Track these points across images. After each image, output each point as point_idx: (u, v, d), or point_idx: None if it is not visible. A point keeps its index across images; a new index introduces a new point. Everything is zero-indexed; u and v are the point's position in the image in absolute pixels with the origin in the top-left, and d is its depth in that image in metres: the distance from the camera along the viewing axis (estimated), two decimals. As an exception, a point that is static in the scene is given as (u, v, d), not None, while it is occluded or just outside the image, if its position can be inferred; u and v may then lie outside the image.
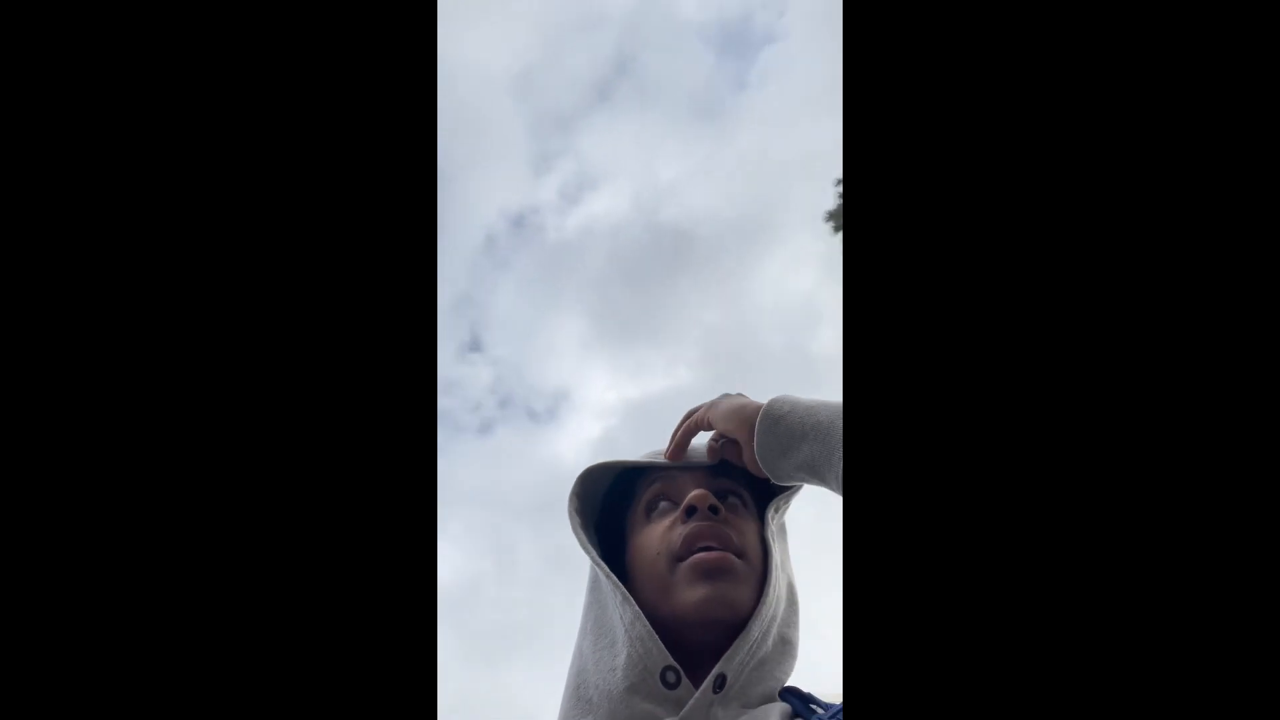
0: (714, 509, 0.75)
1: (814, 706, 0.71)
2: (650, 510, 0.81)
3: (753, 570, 0.75)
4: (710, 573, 0.72)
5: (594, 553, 0.78)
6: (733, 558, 0.73)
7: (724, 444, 0.81)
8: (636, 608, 0.72)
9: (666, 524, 0.77)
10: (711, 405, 0.81)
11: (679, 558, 0.74)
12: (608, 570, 0.76)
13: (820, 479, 0.71)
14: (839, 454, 0.66)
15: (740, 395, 0.82)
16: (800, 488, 0.82)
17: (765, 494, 0.83)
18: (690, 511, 0.75)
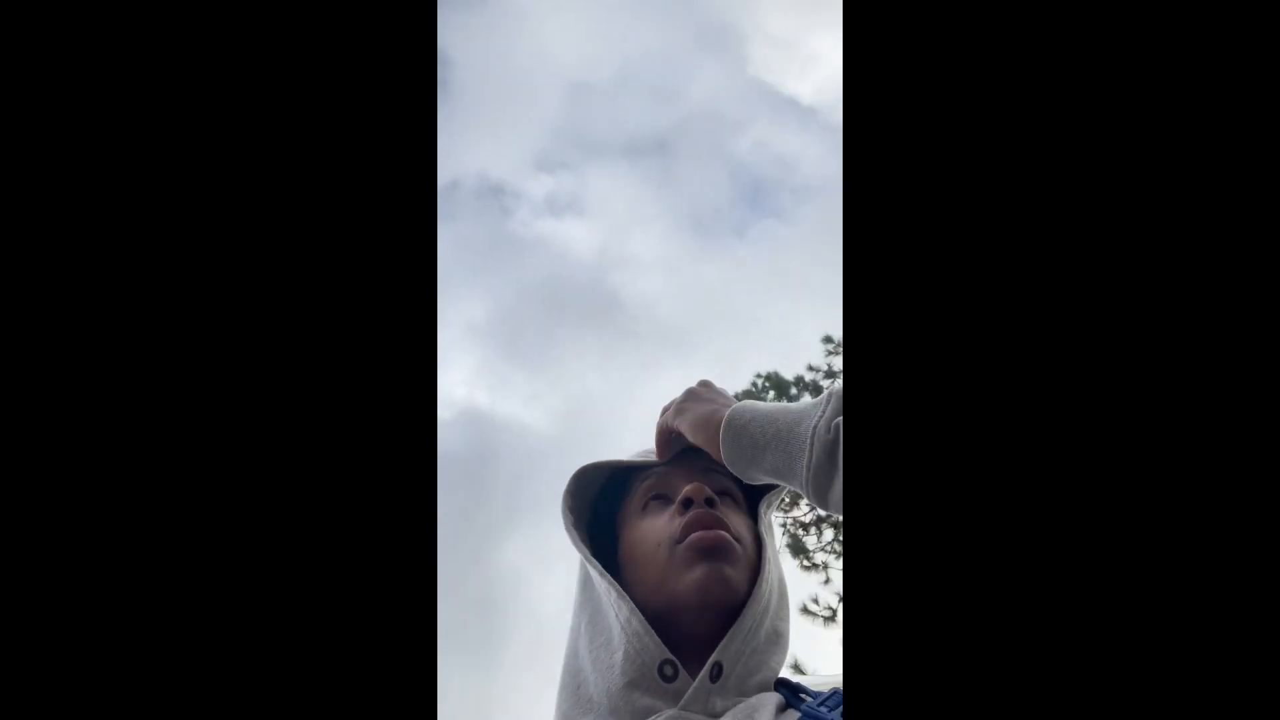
0: (710, 501, 0.76)
1: (803, 695, 0.72)
2: (645, 506, 0.82)
3: (748, 557, 0.77)
4: (709, 551, 0.73)
5: (586, 550, 0.79)
6: (729, 537, 0.75)
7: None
8: (631, 604, 0.73)
9: (664, 517, 0.78)
10: (679, 412, 0.81)
11: (677, 543, 0.75)
12: (600, 568, 0.77)
13: (789, 484, 0.70)
14: (801, 460, 0.65)
15: (707, 390, 0.82)
16: (781, 488, 0.82)
17: (756, 491, 0.85)
18: (687, 504, 0.76)
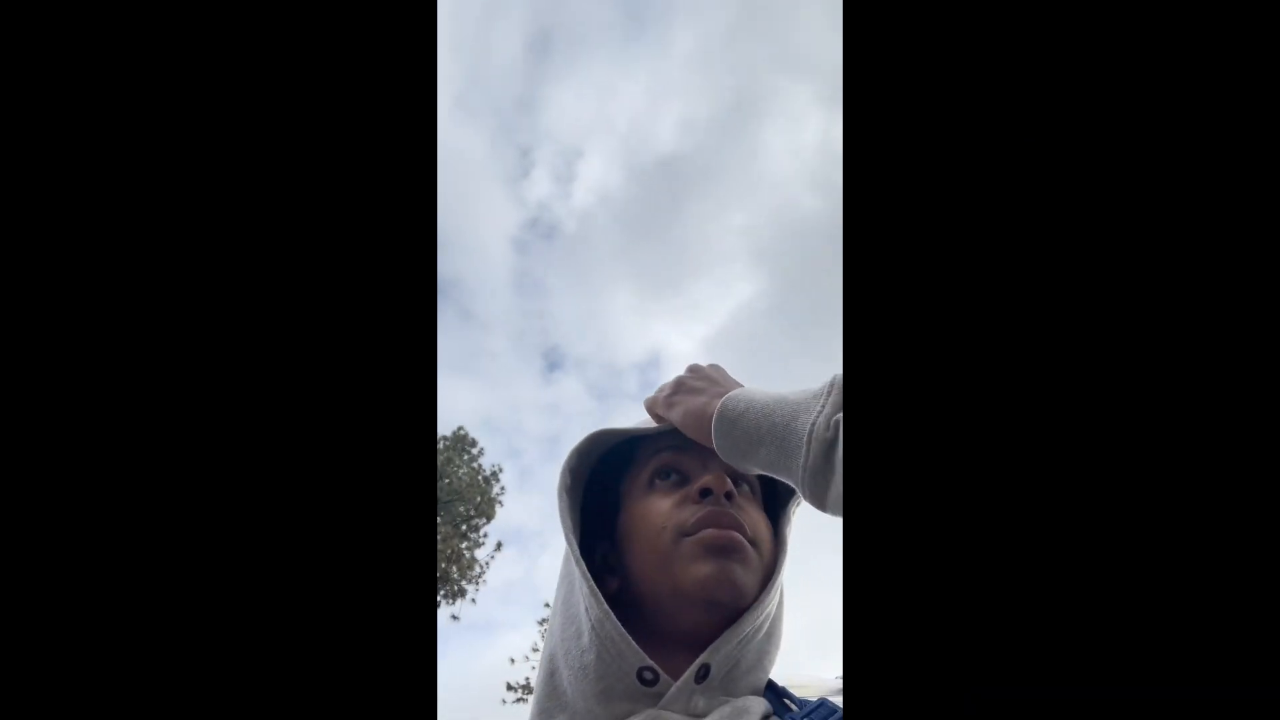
0: (729, 495, 0.72)
1: (788, 702, 0.69)
2: (652, 482, 0.77)
3: (761, 562, 0.72)
4: (721, 550, 0.69)
5: (569, 526, 0.74)
6: (744, 540, 0.70)
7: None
8: (606, 607, 0.68)
9: (676, 499, 0.73)
10: (669, 405, 0.76)
11: (686, 534, 0.70)
12: (578, 554, 0.72)
13: (784, 479, 0.66)
14: (798, 460, 0.62)
15: (696, 376, 0.77)
16: None
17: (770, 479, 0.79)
18: (705, 493, 0.72)
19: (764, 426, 0.66)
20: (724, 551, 0.69)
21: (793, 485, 0.65)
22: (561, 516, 0.75)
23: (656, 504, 0.74)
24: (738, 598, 0.69)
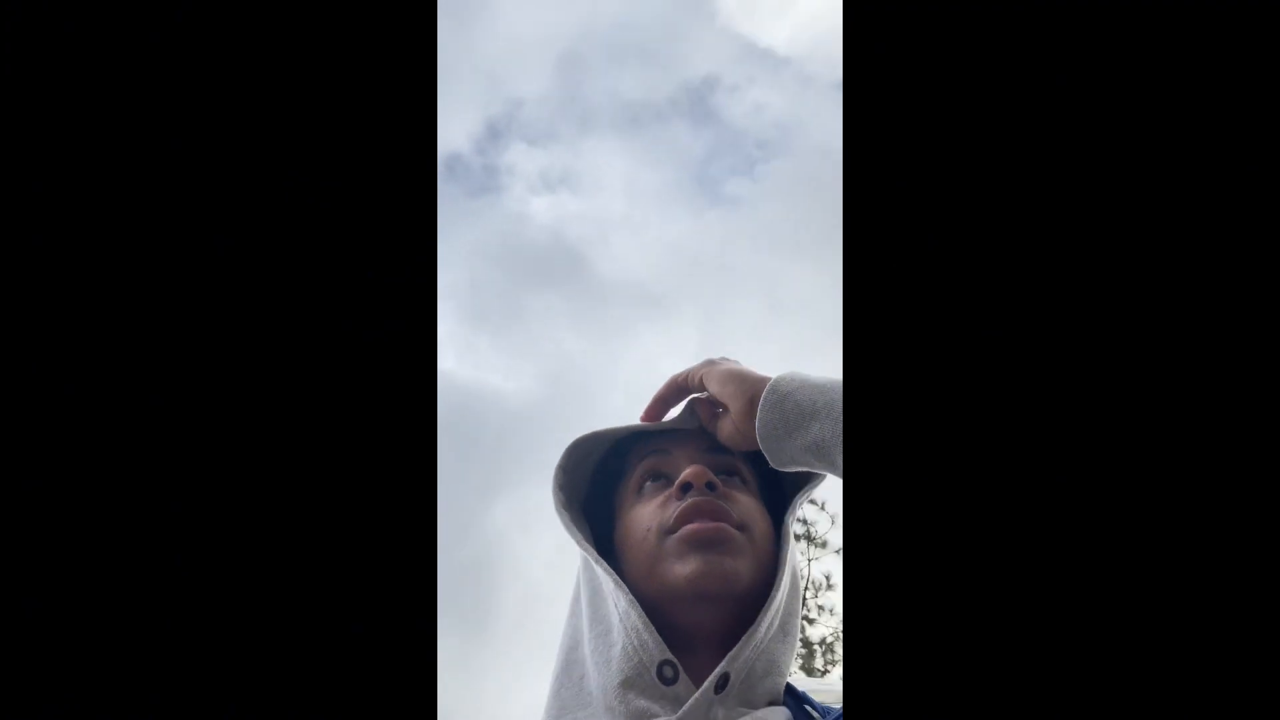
0: (710, 485, 0.71)
1: (809, 709, 0.68)
2: (642, 488, 0.76)
3: (754, 545, 0.70)
4: (703, 544, 0.67)
5: (580, 537, 0.74)
6: (729, 529, 0.69)
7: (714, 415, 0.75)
8: (631, 596, 0.67)
9: (659, 500, 0.73)
10: (707, 364, 0.75)
11: (669, 532, 0.69)
12: (597, 555, 0.71)
13: (828, 462, 0.64)
14: None
15: (734, 361, 0.76)
16: (823, 477, 0.75)
17: (769, 471, 0.77)
18: (685, 488, 0.71)
19: (820, 401, 0.64)
20: (706, 544, 0.67)
21: (834, 470, 0.63)
22: (569, 530, 0.74)
23: (643, 508, 0.73)
24: (728, 586, 0.67)
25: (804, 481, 0.78)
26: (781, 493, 0.81)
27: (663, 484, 0.75)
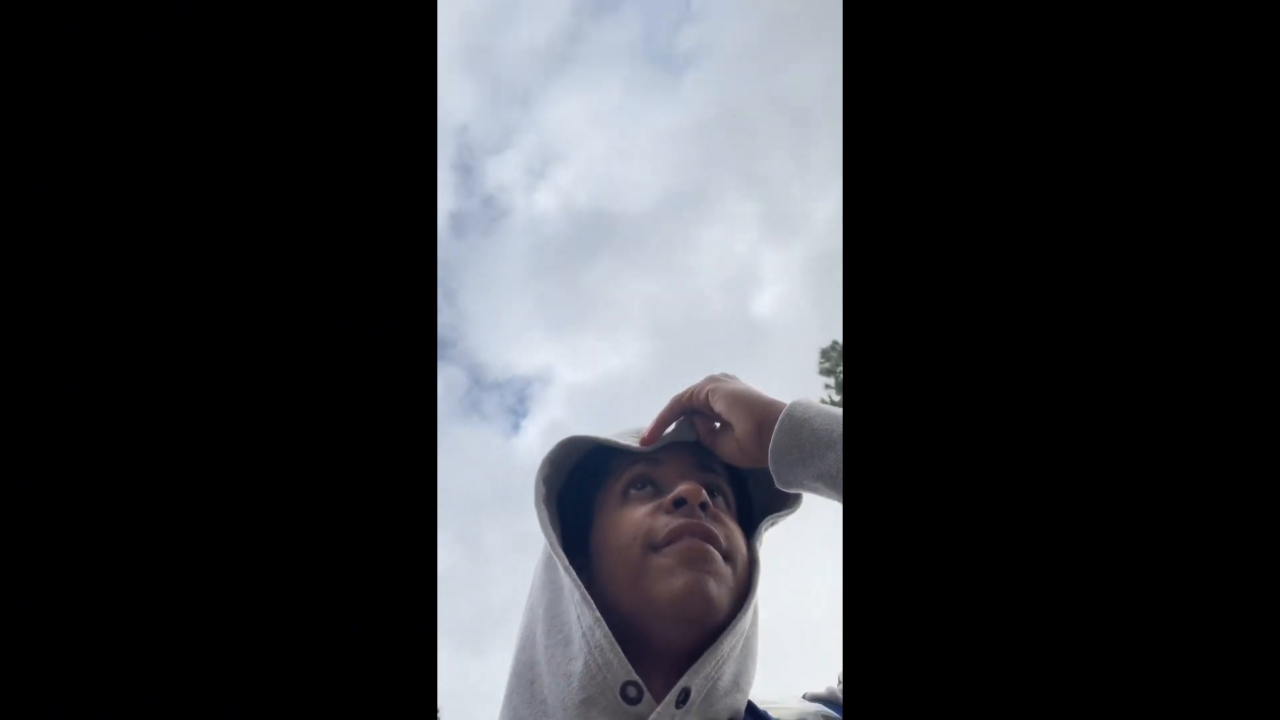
0: (704, 506, 0.70)
1: None
2: (627, 492, 0.74)
3: (735, 572, 0.70)
4: (692, 563, 0.66)
5: (554, 538, 0.72)
6: (718, 555, 0.68)
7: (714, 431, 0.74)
8: (598, 613, 0.66)
9: (648, 509, 0.71)
10: (714, 381, 0.74)
11: (656, 547, 0.68)
12: (566, 563, 0.69)
13: (838, 491, 0.64)
14: None
15: (737, 379, 0.75)
16: (797, 506, 0.77)
17: (744, 494, 0.78)
18: (679, 503, 0.70)
19: (836, 432, 0.64)
20: (696, 564, 0.66)
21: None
22: (544, 527, 0.73)
23: (629, 515, 0.72)
24: (709, 612, 0.66)
25: (775, 506, 0.78)
26: (750, 515, 0.80)
27: (650, 492, 0.74)
